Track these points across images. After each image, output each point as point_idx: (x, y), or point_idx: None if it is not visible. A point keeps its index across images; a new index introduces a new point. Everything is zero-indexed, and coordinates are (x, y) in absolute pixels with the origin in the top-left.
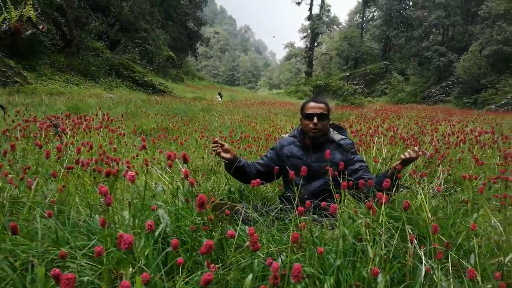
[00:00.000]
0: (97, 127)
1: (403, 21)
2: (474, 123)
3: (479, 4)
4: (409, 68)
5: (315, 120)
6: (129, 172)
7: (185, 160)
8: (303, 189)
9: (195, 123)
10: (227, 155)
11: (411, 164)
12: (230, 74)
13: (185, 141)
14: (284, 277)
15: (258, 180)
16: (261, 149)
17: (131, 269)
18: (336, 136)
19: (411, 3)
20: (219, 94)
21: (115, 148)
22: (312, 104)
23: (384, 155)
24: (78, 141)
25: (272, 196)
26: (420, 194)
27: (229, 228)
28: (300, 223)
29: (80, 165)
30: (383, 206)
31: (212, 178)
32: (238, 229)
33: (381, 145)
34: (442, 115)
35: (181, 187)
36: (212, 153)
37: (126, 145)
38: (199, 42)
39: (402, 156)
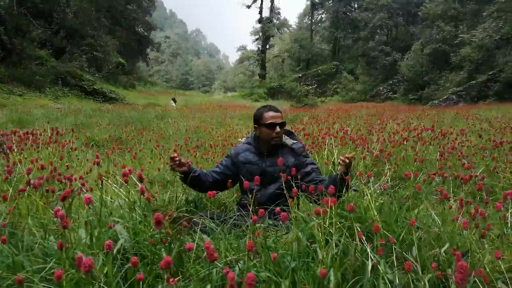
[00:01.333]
0: (47, 142)
1: (350, 22)
2: (418, 119)
3: (418, 5)
4: (358, 68)
5: (278, 129)
6: (85, 195)
7: (140, 180)
8: (259, 194)
9: (150, 132)
10: (182, 169)
11: (357, 165)
12: (184, 79)
13: (140, 151)
14: (241, 284)
15: (214, 192)
16: (218, 156)
17: None
18: (288, 140)
19: (356, 5)
20: (173, 99)
21: (68, 165)
22: (271, 113)
23: (335, 157)
24: (26, 158)
25: (229, 203)
26: (367, 195)
27: (188, 239)
28: (255, 230)
29: (31, 186)
30: (332, 208)
31: (170, 189)
32: (196, 240)
33: (332, 147)
34: (390, 113)
35: (138, 201)
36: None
37: (78, 159)
38: (150, 47)
39: (340, 162)
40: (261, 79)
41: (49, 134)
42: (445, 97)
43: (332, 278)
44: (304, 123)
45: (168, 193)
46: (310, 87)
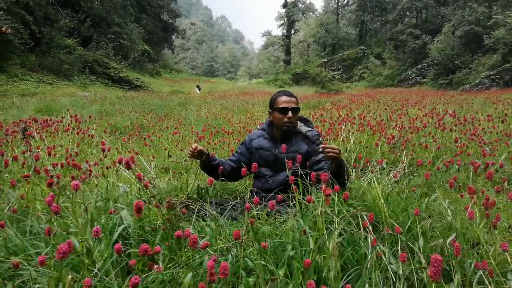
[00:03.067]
0: (66, 129)
1: (377, 5)
2: (445, 105)
3: None
4: (386, 52)
5: (290, 114)
6: (73, 181)
7: (128, 167)
8: (271, 180)
9: (170, 119)
10: (203, 158)
11: (374, 152)
12: (209, 66)
13: (158, 138)
14: (236, 273)
15: (211, 179)
16: (234, 143)
17: (70, 276)
18: (303, 128)
19: None
20: (197, 86)
21: (77, 152)
22: (285, 98)
23: (352, 143)
24: (45, 145)
25: (243, 189)
26: (374, 182)
27: (187, 226)
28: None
29: (40, 173)
30: (337, 195)
31: (184, 176)
32: (191, 227)
33: (349, 133)
34: (416, 98)
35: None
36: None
37: (97, 145)
38: (175, 35)
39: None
40: (286, 64)
41: (68, 121)
42: (477, 81)
43: (333, 265)
44: (327, 109)
45: (182, 178)
46: (336, 73)
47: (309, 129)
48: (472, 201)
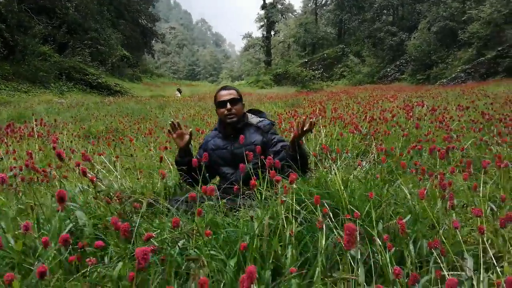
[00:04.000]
0: (29, 134)
1: (355, 4)
2: (420, 98)
3: None
4: (364, 50)
5: (228, 106)
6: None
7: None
8: (233, 177)
9: (147, 122)
10: (184, 139)
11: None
12: (191, 69)
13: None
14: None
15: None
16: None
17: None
18: (254, 119)
19: None
20: (178, 90)
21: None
22: (222, 92)
23: (323, 137)
24: (8, 149)
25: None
26: (334, 169)
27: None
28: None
29: None
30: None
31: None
32: (137, 221)
33: (320, 126)
34: (393, 93)
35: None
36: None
37: (64, 149)
38: (154, 39)
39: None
40: (267, 65)
41: (33, 126)
42: (453, 75)
43: (290, 254)
44: (303, 106)
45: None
46: (316, 72)
47: (261, 119)
48: (430, 183)
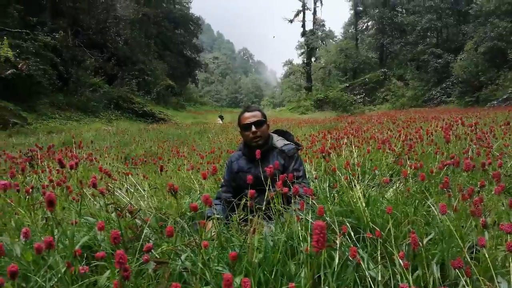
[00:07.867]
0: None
1: (396, 27)
2: (468, 119)
3: (469, 3)
4: (408, 73)
5: (253, 128)
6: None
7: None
8: (257, 201)
9: (185, 146)
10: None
11: (379, 164)
12: (233, 97)
13: (167, 163)
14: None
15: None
16: None
17: None
18: (279, 142)
19: (401, 9)
20: (220, 116)
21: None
22: (246, 114)
23: (356, 156)
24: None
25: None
26: (355, 186)
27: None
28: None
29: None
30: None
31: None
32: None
33: (352, 146)
34: (435, 114)
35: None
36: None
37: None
38: (198, 69)
39: None
40: (308, 91)
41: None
42: (505, 96)
43: (304, 274)
44: (341, 128)
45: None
46: (358, 96)
47: (286, 142)
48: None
